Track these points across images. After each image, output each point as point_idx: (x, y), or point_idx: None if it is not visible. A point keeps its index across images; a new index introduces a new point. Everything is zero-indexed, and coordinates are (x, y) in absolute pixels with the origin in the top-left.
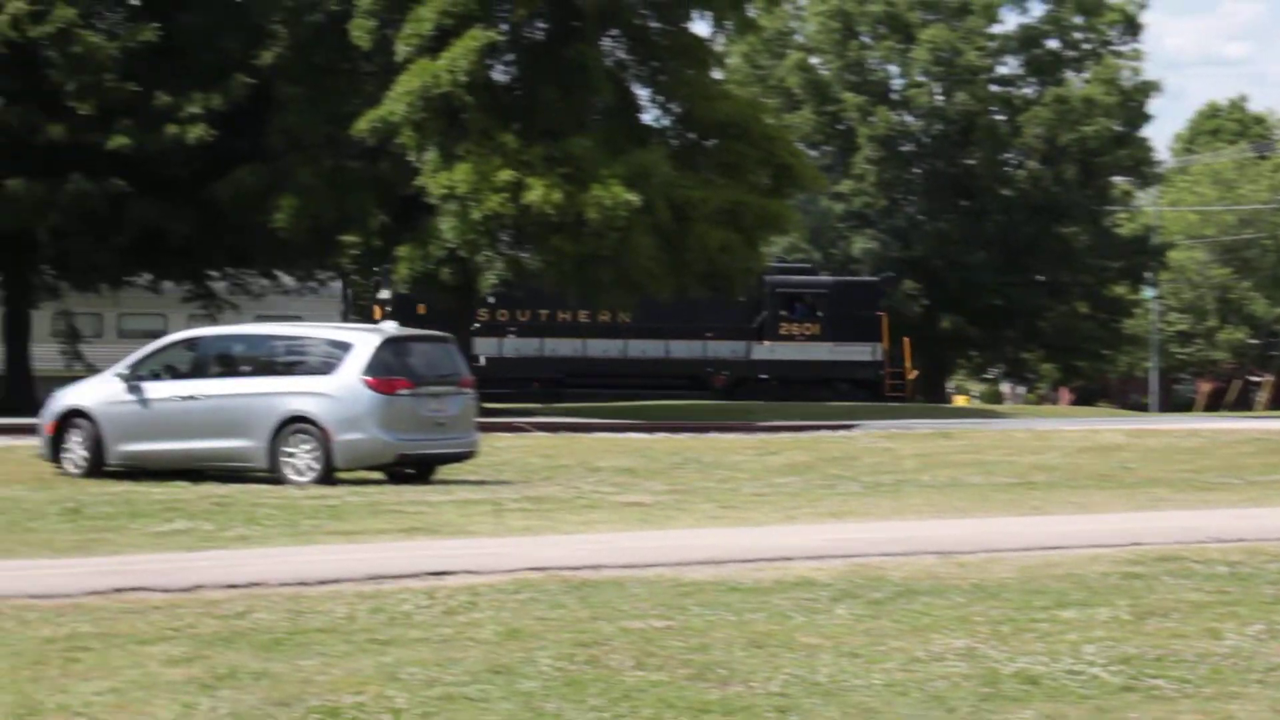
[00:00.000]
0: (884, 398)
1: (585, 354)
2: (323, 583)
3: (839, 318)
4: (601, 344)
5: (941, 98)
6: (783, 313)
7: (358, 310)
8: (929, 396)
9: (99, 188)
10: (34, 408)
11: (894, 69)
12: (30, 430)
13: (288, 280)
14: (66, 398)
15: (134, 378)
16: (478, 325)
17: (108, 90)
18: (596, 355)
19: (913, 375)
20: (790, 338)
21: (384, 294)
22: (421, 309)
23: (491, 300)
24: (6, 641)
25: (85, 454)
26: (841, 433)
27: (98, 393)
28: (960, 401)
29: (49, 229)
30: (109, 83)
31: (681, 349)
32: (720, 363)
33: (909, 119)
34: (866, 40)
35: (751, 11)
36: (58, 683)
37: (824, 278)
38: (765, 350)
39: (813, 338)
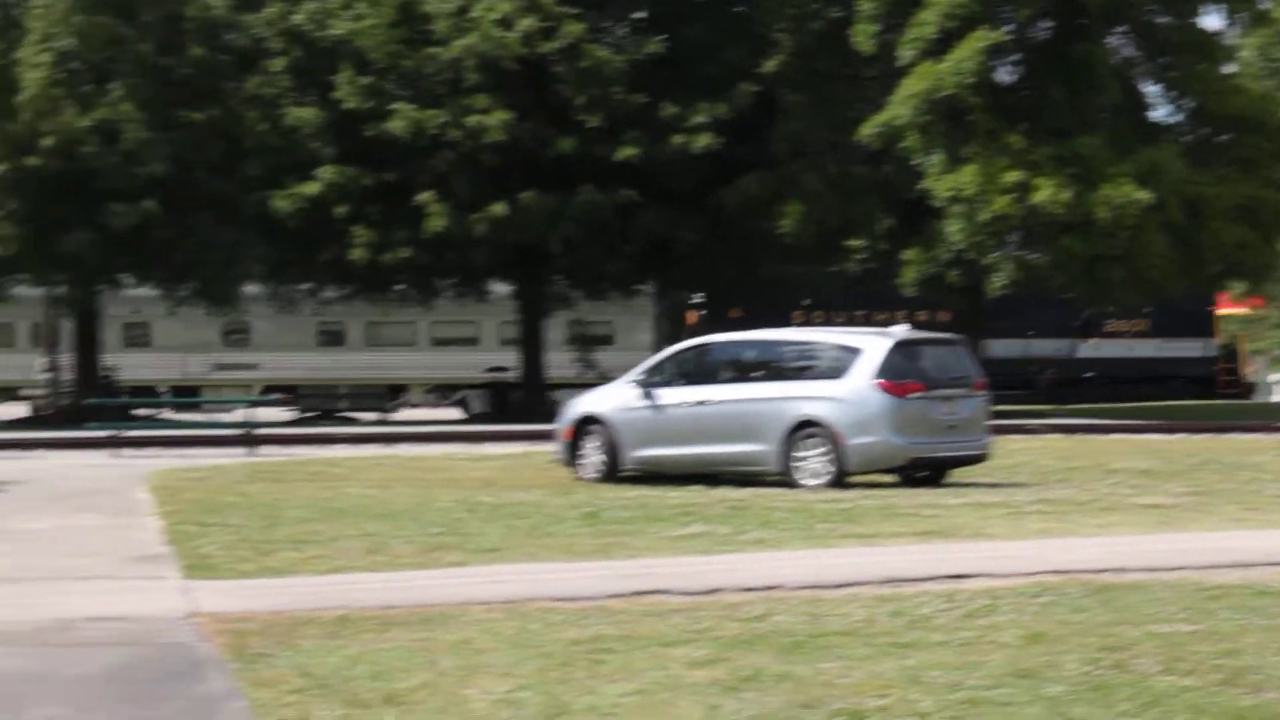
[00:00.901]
0: (1218, 396)
1: None
2: (840, 585)
3: (1168, 313)
4: None
5: None
6: (1109, 308)
7: (670, 317)
8: None
9: (608, 198)
10: (549, 414)
11: None
12: (546, 436)
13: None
14: (582, 405)
15: (647, 384)
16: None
17: (615, 102)
18: None
19: (1249, 371)
20: (1117, 334)
21: (696, 297)
22: (734, 313)
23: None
24: (534, 643)
25: (601, 459)
26: None
27: (612, 399)
28: None
29: (560, 240)
30: (617, 95)
31: (1002, 348)
32: (1044, 361)
33: None
34: None
35: (1264, 3)
36: (584, 683)
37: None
38: (1091, 348)
39: (1140, 334)
